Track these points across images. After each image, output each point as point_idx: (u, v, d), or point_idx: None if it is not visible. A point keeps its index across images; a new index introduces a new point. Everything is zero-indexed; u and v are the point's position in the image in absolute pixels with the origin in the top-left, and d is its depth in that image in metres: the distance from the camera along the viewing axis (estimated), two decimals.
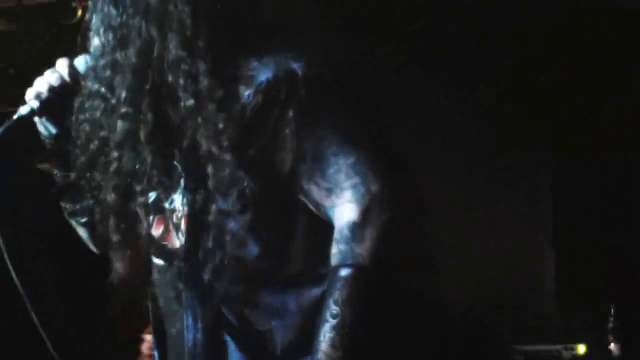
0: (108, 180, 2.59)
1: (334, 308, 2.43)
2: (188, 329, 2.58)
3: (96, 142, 2.58)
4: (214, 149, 2.49)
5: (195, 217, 2.56)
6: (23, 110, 2.63)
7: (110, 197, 2.60)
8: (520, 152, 5.17)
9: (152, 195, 2.64)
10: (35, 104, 2.63)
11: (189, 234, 2.57)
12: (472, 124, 4.99)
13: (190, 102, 2.49)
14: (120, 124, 2.54)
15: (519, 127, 5.07)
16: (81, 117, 2.60)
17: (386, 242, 2.48)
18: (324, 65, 2.56)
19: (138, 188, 2.58)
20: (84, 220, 2.77)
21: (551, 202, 5.30)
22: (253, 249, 2.55)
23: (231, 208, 2.52)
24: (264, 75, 2.50)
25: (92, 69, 2.61)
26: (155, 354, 2.79)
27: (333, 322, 2.42)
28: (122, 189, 2.59)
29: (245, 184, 2.51)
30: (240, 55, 2.53)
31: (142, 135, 2.52)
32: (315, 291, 2.54)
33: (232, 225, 2.54)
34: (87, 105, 2.60)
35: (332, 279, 2.47)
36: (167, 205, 2.64)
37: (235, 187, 2.51)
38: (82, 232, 2.82)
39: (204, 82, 2.49)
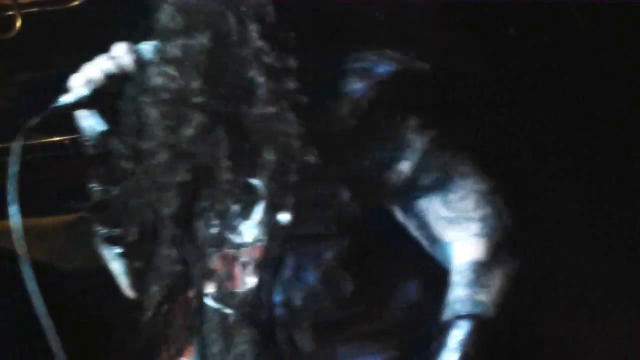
0: (172, 190, 2.08)
1: None
2: None
3: (162, 136, 2.08)
4: (307, 157, 2.01)
5: (276, 245, 2.05)
6: (67, 97, 2.09)
7: (171, 211, 2.09)
8: None
9: (215, 224, 2.14)
10: (85, 91, 2.08)
11: (266, 267, 2.06)
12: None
13: (270, 109, 2.01)
14: (196, 115, 2.04)
15: None
16: (142, 109, 2.10)
17: (512, 292, 2.03)
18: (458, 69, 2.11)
19: (207, 204, 2.08)
20: (122, 250, 2.24)
21: None
22: (346, 289, 2.05)
23: (325, 232, 2.02)
24: (383, 67, 2.04)
25: (160, 51, 2.10)
26: None
27: None
28: (187, 201, 2.09)
29: (345, 202, 2.03)
30: (350, 47, 2.07)
31: (219, 131, 2.03)
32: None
33: (323, 254, 2.04)
34: (149, 96, 2.10)
35: (445, 335, 2.00)
36: (232, 236, 2.12)
37: (332, 206, 2.02)
38: (116, 266, 2.28)
39: (288, 83, 2.01)
